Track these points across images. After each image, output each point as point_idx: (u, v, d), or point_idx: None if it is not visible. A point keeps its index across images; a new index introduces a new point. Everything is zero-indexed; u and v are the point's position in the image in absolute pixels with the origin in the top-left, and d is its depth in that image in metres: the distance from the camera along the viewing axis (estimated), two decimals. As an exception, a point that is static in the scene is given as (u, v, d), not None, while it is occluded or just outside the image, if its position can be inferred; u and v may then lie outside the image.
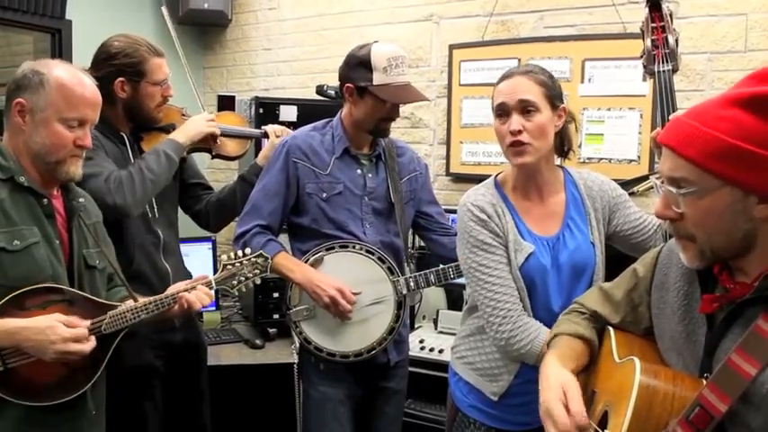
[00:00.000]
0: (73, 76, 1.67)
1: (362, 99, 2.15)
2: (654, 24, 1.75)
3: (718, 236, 1.10)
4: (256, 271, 1.92)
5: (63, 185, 1.77)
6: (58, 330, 1.58)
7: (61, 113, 1.64)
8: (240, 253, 1.93)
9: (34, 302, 1.61)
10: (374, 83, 2.11)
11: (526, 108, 1.68)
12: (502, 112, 1.71)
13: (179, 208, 2.53)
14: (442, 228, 2.42)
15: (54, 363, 1.61)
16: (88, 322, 1.68)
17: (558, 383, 1.28)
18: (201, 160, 2.73)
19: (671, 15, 1.75)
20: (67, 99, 1.65)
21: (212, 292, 1.88)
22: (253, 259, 1.92)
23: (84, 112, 1.68)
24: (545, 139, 1.71)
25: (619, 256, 1.80)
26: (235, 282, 1.91)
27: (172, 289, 1.86)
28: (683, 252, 1.16)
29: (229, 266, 1.91)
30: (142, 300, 1.79)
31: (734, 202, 1.05)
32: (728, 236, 1.09)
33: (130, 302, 1.78)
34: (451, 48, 3.31)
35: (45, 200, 1.68)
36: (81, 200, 1.80)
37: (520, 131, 1.67)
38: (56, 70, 1.66)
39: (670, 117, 1.66)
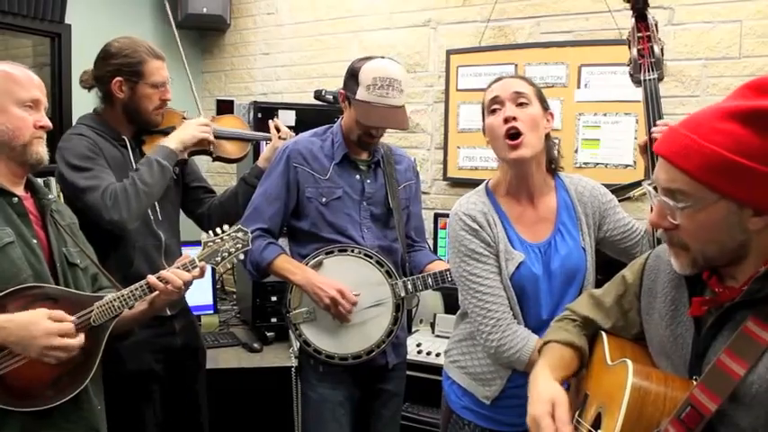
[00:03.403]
0: (15, 67, 1.71)
1: (349, 108, 2.19)
2: (640, 34, 1.79)
3: (711, 246, 1.11)
4: (238, 245, 1.89)
5: (31, 186, 1.75)
6: (42, 325, 1.55)
7: (15, 96, 1.66)
8: (219, 230, 1.90)
9: (16, 305, 1.58)
10: (356, 97, 2.13)
11: (519, 99, 1.71)
12: (496, 105, 1.74)
13: (181, 211, 2.54)
14: (408, 246, 2.42)
15: (45, 364, 1.58)
16: (74, 317, 1.64)
17: (547, 397, 1.30)
18: (201, 165, 2.74)
19: (656, 25, 1.79)
20: (17, 83, 1.67)
21: (197, 270, 1.83)
22: (233, 234, 1.89)
23: (35, 93, 1.70)
24: (537, 133, 1.72)
25: (610, 261, 1.82)
26: (218, 258, 1.87)
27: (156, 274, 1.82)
28: (675, 259, 1.17)
29: (210, 243, 1.88)
30: (128, 288, 1.76)
31: (729, 214, 1.06)
32: (722, 246, 1.10)
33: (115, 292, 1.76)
34: (449, 53, 3.33)
35: (15, 198, 1.67)
36: (50, 197, 1.79)
37: (514, 118, 1.69)
38: None
39: (656, 124, 1.69)
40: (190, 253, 1.90)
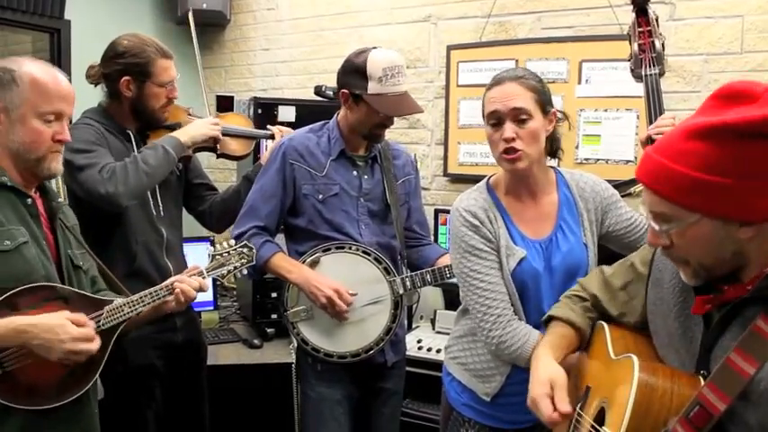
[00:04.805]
0: (45, 72, 1.64)
1: (357, 105, 2.16)
2: (641, 29, 1.78)
3: (707, 259, 1.12)
4: (243, 260, 1.95)
5: (41, 188, 1.74)
6: (68, 329, 1.55)
7: (37, 109, 1.60)
8: (226, 244, 1.95)
9: (27, 302, 1.57)
10: (369, 92, 2.10)
11: (519, 116, 1.68)
12: (495, 120, 1.71)
13: (183, 208, 2.53)
14: (415, 240, 2.43)
15: (54, 364, 1.58)
16: (92, 321, 1.65)
17: (546, 378, 1.36)
18: (201, 161, 2.73)
19: (657, 20, 1.77)
20: (42, 94, 1.61)
21: (205, 281, 1.88)
22: (239, 249, 1.95)
23: (59, 106, 1.64)
24: (537, 145, 1.71)
25: (613, 256, 1.81)
26: (224, 272, 1.94)
27: (167, 282, 1.85)
28: (682, 272, 1.19)
29: (218, 257, 1.94)
30: (138, 293, 1.78)
31: (716, 229, 1.07)
32: (718, 258, 1.12)
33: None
34: (449, 48, 3.32)
35: (29, 199, 1.66)
36: (60, 200, 1.79)
37: (513, 139, 1.67)
38: (27, 66, 1.62)
39: (656, 120, 1.68)
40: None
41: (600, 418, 1.26)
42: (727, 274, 1.15)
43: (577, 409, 1.37)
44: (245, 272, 1.98)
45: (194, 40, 2.65)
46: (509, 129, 1.68)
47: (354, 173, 2.24)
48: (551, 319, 1.55)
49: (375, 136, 2.22)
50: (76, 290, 1.70)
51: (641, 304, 1.39)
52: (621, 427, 1.13)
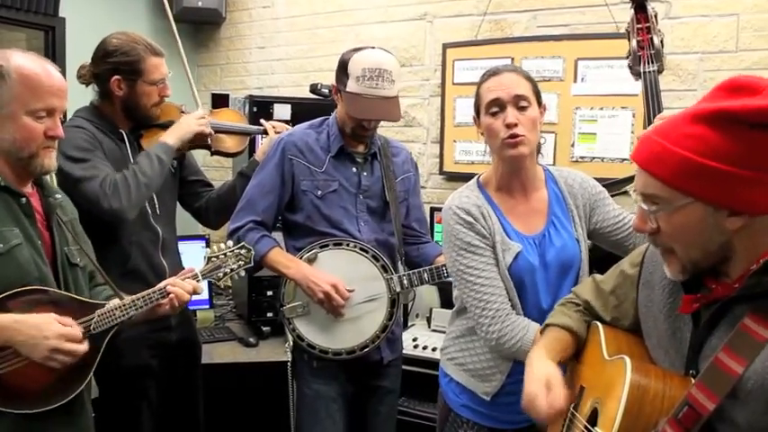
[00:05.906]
0: (36, 65, 1.58)
1: (342, 101, 2.17)
2: (639, 25, 1.77)
3: (693, 248, 1.12)
4: (240, 262, 1.93)
5: (37, 182, 1.71)
6: (53, 327, 1.54)
7: (28, 106, 1.55)
8: (223, 245, 1.93)
9: (17, 305, 1.55)
10: (346, 89, 2.12)
11: (519, 102, 1.70)
12: (496, 108, 1.72)
13: (178, 205, 2.53)
14: (415, 237, 2.43)
15: (43, 368, 1.56)
16: (79, 324, 1.63)
17: (542, 375, 1.36)
18: (197, 159, 2.72)
19: (656, 16, 1.77)
20: (32, 90, 1.56)
21: (198, 283, 1.86)
22: (236, 251, 1.93)
23: (51, 102, 1.59)
24: (535, 133, 1.73)
25: (605, 257, 1.81)
26: (220, 274, 1.91)
27: (161, 284, 1.83)
28: (667, 266, 1.19)
29: (213, 259, 1.91)
30: (130, 297, 1.76)
31: (705, 216, 1.07)
32: (704, 248, 1.12)
33: (117, 300, 1.75)
34: (445, 47, 3.32)
35: (23, 199, 1.62)
36: (58, 196, 1.75)
37: (516, 124, 1.68)
38: (16, 60, 1.56)
39: (654, 119, 1.68)
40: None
41: (593, 419, 1.27)
42: (712, 267, 1.15)
43: (571, 408, 1.37)
44: (243, 273, 1.96)
45: (177, 38, 2.63)
46: (511, 114, 1.69)
47: (354, 169, 2.24)
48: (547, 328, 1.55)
49: (357, 136, 2.22)
50: (69, 294, 1.67)
51: (632, 306, 1.40)
52: (613, 428, 1.13)
